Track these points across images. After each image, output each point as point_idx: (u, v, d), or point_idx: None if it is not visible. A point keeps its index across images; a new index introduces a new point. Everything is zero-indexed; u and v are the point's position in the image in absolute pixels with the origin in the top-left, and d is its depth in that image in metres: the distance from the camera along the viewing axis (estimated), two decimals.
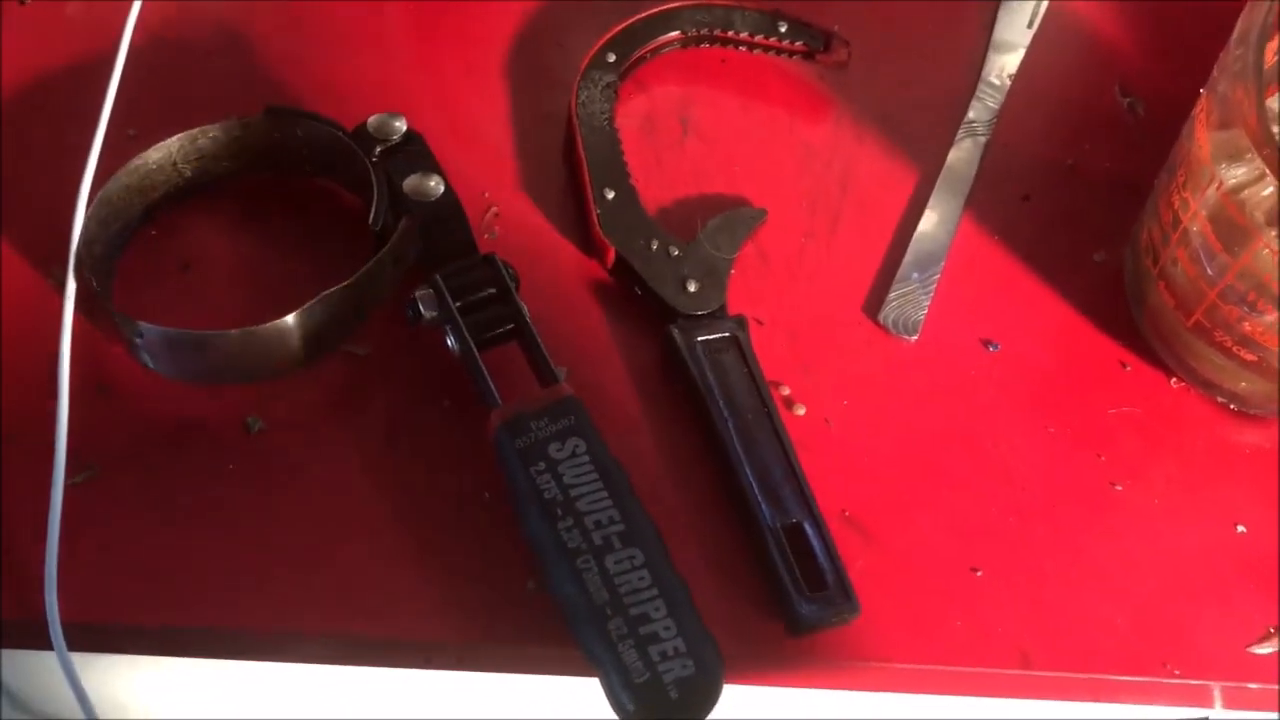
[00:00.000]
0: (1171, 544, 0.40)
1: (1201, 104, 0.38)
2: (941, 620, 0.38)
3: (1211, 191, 0.37)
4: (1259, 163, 0.35)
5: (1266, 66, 0.37)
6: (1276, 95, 0.42)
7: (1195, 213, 0.38)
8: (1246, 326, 0.38)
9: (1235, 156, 0.37)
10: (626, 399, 0.40)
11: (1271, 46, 0.38)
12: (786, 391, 0.41)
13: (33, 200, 0.42)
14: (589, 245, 0.43)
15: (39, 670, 0.41)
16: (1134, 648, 0.38)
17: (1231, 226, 0.37)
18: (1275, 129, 0.40)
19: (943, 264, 0.43)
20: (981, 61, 0.48)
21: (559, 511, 0.35)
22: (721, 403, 0.39)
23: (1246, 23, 0.37)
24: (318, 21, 0.46)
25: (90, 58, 0.44)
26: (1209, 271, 0.38)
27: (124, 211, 0.40)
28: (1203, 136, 0.38)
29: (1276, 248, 0.36)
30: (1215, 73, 0.38)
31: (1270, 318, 0.38)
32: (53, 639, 0.35)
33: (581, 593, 0.34)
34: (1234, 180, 0.37)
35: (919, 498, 0.39)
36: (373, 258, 0.38)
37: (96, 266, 0.39)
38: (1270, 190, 0.36)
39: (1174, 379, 0.42)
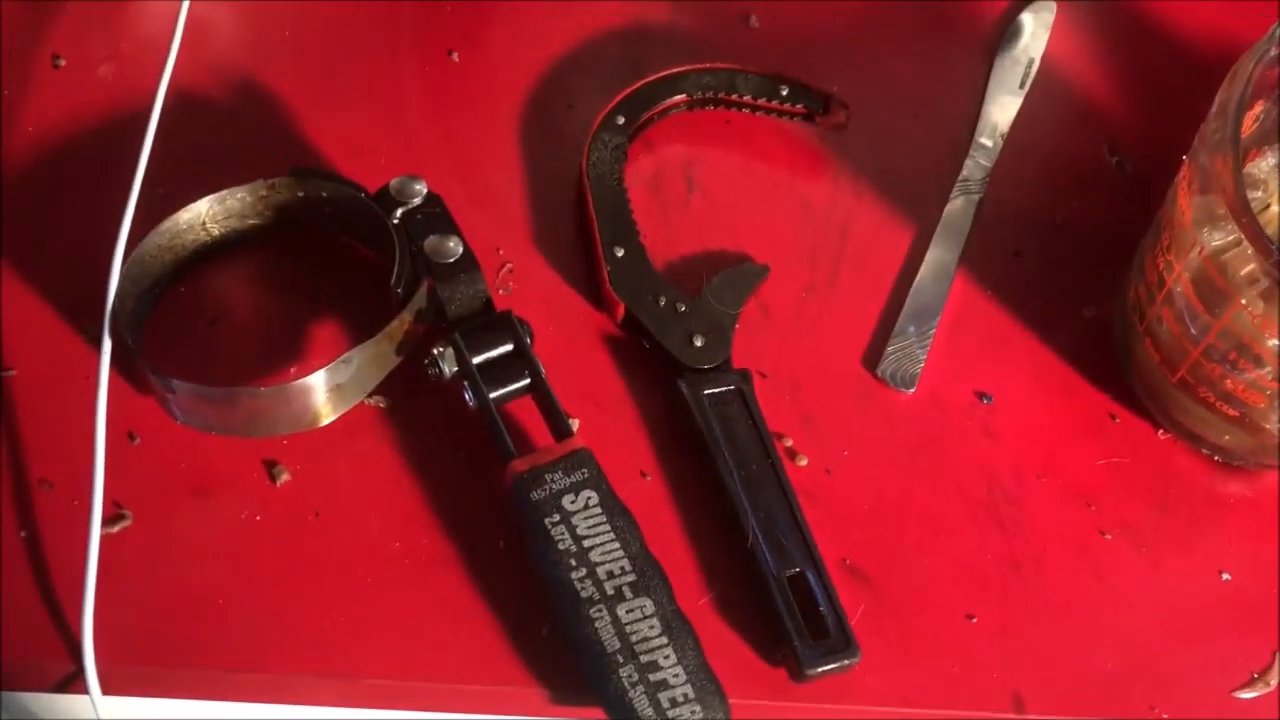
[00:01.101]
0: (1159, 591, 0.41)
1: (1184, 171, 0.40)
2: (938, 665, 0.39)
3: (1194, 255, 0.39)
4: (1237, 229, 0.37)
5: (1245, 134, 0.39)
6: (1257, 160, 0.44)
7: (1179, 274, 0.40)
8: (1229, 384, 0.40)
9: (1215, 222, 0.38)
10: (637, 449, 0.42)
11: (1251, 114, 0.40)
12: (789, 443, 0.42)
13: (68, 256, 0.43)
14: (600, 300, 0.44)
15: (55, 708, 0.43)
16: (1122, 692, 0.39)
17: (1212, 289, 0.39)
18: (1254, 194, 0.42)
19: (938, 318, 0.45)
20: (975, 121, 0.50)
21: (573, 562, 0.37)
22: (727, 454, 0.41)
23: (1225, 95, 0.38)
24: (340, 86, 0.48)
25: (121, 119, 0.46)
26: (1192, 331, 0.40)
27: (155, 269, 0.42)
28: (1185, 202, 0.39)
29: (1256, 310, 0.38)
30: (1196, 142, 0.39)
31: (1251, 375, 0.39)
32: (88, 684, 0.36)
33: (594, 640, 0.36)
34: (1215, 244, 0.39)
35: (916, 546, 0.41)
36: (395, 316, 0.40)
37: (129, 322, 0.41)
38: (1249, 254, 0.37)
39: (1161, 431, 0.44)
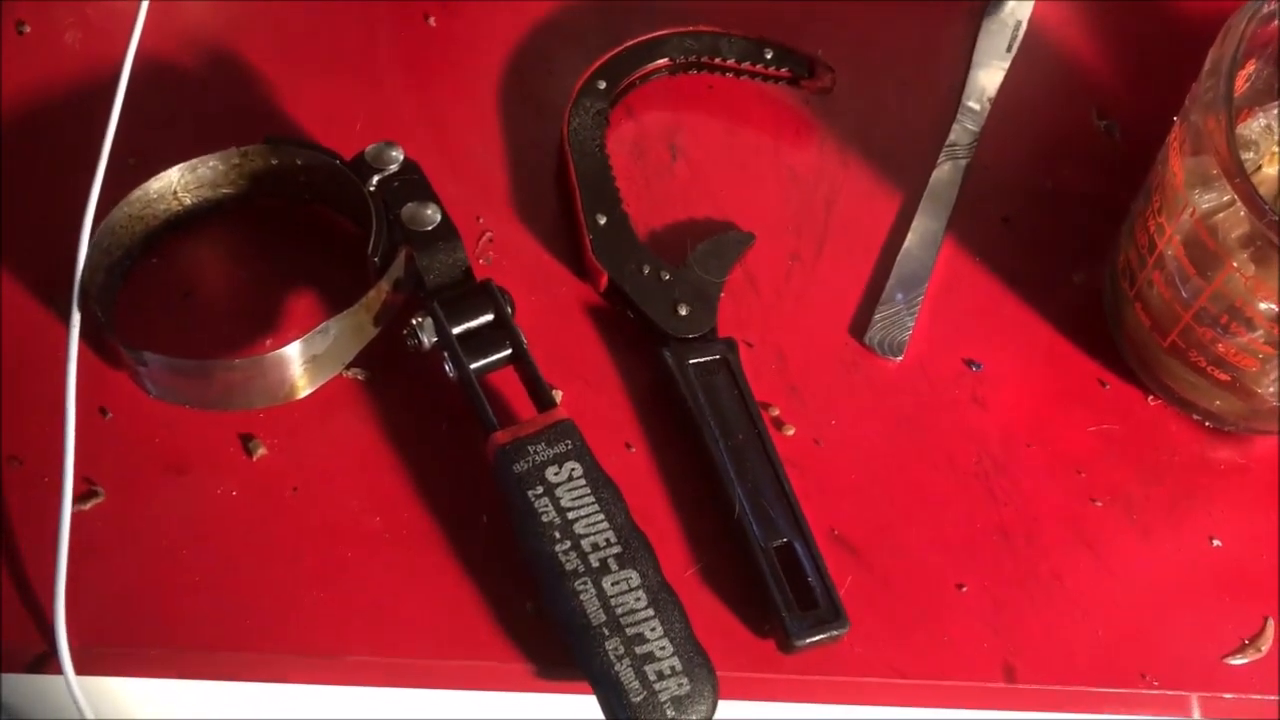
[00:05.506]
0: (1149, 558, 0.41)
1: (1175, 132, 0.40)
2: (928, 635, 0.39)
3: (1185, 217, 0.39)
4: (1230, 189, 0.36)
5: (1237, 94, 0.38)
6: (1249, 121, 0.43)
7: (1170, 237, 0.39)
8: (1220, 348, 0.40)
9: (1207, 183, 0.38)
10: (621, 420, 0.41)
11: (1242, 74, 0.40)
12: (776, 412, 0.42)
13: (34, 228, 0.42)
14: (582, 269, 0.44)
15: (36, 688, 0.42)
16: (1113, 659, 0.39)
17: (1204, 251, 0.38)
18: (1246, 155, 0.41)
19: (926, 285, 0.45)
20: (962, 86, 0.49)
21: (557, 534, 0.36)
22: (713, 424, 0.40)
23: (1218, 53, 0.38)
24: (315, 52, 0.47)
25: (88, 86, 0.45)
26: (1183, 294, 0.40)
27: (126, 240, 0.41)
28: (1176, 164, 0.39)
29: (1247, 273, 0.37)
30: (1188, 102, 0.39)
31: (1242, 339, 0.39)
32: (62, 665, 0.36)
33: (579, 614, 0.35)
34: (1206, 206, 0.38)
35: (905, 515, 0.41)
36: (372, 286, 0.39)
37: (100, 295, 0.40)
38: (1241, 215, 0.37)
39: (1151, 397, 0.43)
